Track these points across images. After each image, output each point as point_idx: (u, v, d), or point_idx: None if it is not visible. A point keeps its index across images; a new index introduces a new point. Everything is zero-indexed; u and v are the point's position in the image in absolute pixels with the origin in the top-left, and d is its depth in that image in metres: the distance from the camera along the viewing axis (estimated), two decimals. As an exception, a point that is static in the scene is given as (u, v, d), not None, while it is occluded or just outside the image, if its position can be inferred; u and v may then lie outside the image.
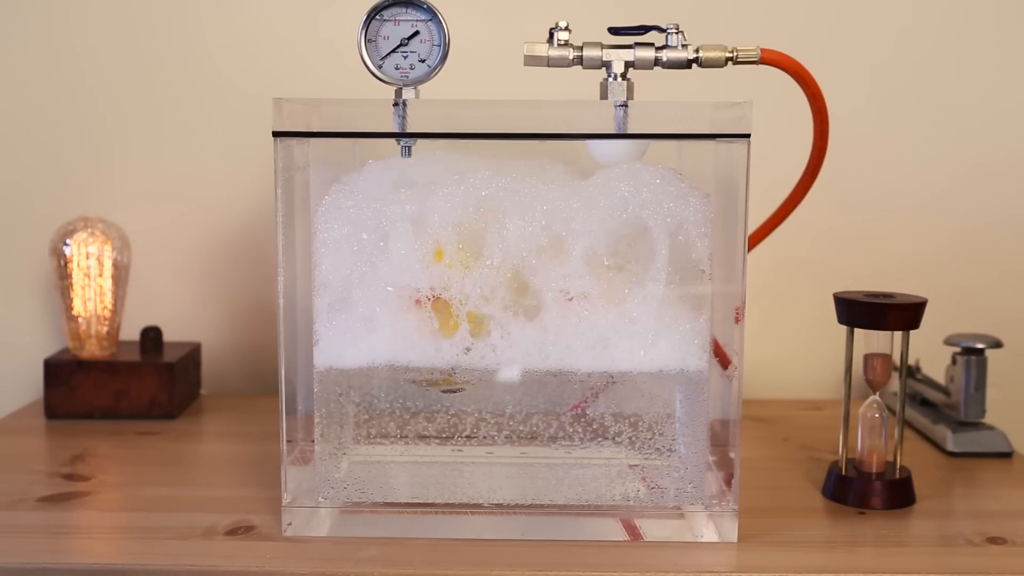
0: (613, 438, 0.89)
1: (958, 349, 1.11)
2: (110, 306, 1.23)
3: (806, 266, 1.33)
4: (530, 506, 0.88)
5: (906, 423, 1.18)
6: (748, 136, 0.83)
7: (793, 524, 0.89)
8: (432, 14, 0.85)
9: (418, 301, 0.85)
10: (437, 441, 0.90)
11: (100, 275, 1.22)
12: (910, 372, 1.22)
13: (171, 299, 1.34)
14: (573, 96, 0.89)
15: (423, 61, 0.85)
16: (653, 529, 0.87)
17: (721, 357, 0.89)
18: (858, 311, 0.93)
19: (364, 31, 0.85)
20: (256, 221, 1.33)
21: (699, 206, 0.85)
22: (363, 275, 0.85)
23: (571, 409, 0.89)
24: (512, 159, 0.88)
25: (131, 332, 1.29)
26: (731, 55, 0.89)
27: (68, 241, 1.21)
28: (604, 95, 0.88)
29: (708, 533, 0.86)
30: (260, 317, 1.34)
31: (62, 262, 1.21)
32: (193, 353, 1.27)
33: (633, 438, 0.89)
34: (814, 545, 0.85)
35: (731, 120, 0.83)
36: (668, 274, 0.85)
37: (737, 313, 0.86)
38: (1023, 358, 1.30)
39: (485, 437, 0.89)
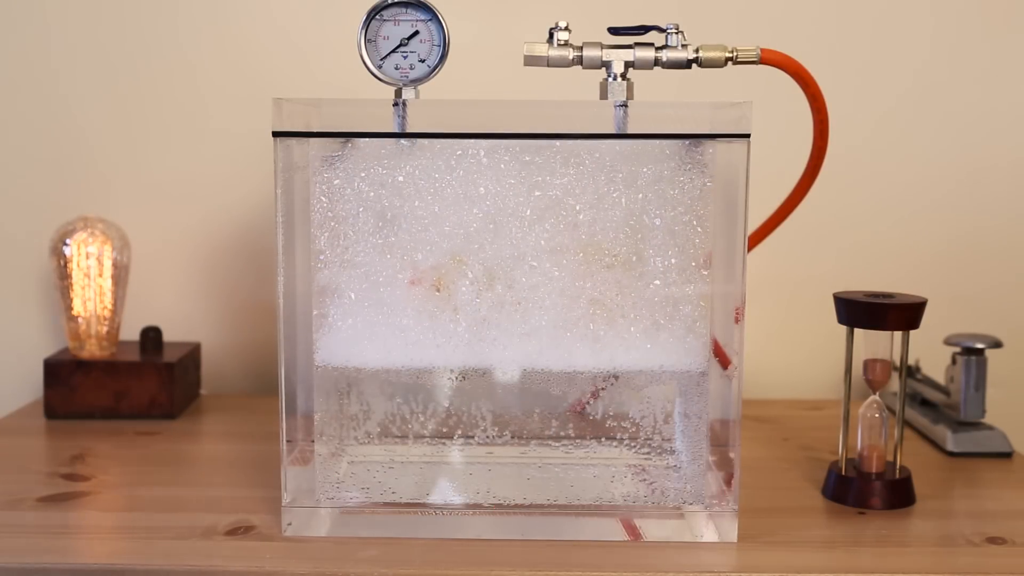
0: (613, 438, 0.89)
1: (958, 349, 1.11)
2: (110, 306, 1.23)
3: (806, 266, 1.33)
4: (530, 506, 0.88)
5: (906, 423, 1.18)
6: (748, 136, 0.83)
7: (793, 524, 0.89)
8: (432, 14, 0.85)
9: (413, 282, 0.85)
10: (437, 441, 0.90)
11: (100, 275, 1.22)
12: (910, 372, 1.22)
13: (171, 299, 1.34)
14: (573, 96, 0.89)
15: (423, 61, 0.85)
16: (653, 529, 0.86)
17: (721, 357, 0.89)
18: (858, 311, 0.92)
19: (364, 31, 0.85)
20: (256, 221, 1.33)
21: (700, 190, 0.85)
22: (364, 268, 0.85)
23: (571, 409, 0.89)
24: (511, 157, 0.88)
25: (131, 332, 1.29)
26: (731, 55, 0.89)
27: (68, 241, 1.21)
28: (604, 95, 0.88)
29: (708, 533, 0.86)
30: (260, 317, 1.34)
31: (62, 262, 1.21)
32: (193, 353, 1.27)
33: (633, 438, 0.89)
34: (814, 545, 0.85)
35: (731, 120, 0.83)
36: (669, 272, 0.85)
37: (737, 313, 0.86)
38: (1023, 358, 1.30)
39: (485, 437, 0.89)
